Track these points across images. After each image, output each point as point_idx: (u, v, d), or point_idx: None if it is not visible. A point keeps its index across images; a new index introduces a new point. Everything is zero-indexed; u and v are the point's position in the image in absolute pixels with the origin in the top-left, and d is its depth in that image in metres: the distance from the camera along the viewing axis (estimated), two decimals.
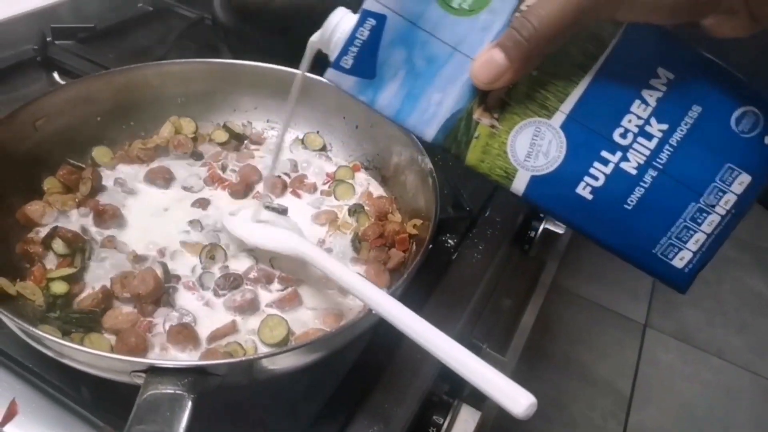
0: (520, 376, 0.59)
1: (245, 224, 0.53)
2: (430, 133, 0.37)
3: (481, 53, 0.34)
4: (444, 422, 0.54)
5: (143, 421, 0.34)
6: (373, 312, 0.41)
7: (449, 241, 0.63)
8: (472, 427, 0.56)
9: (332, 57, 0.37)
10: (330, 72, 0.37)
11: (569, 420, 1.59)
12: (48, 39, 0.84)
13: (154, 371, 0.37)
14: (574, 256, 1.92)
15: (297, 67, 0.67)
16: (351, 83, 0.37)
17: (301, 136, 0.67)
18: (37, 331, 0.38)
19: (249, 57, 0.70)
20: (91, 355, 0.38)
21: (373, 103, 0.37)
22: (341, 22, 0.37)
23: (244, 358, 0.41)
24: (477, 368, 0.34)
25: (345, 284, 0.43)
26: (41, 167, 0.56)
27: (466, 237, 0.66)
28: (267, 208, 0.56)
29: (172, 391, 0.36)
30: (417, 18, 0.35)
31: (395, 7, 0.35)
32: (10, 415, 0.44)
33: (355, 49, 0.35)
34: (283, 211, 0.57)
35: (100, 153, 0.60)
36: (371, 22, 0.35)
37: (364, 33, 0.35)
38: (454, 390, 0.59)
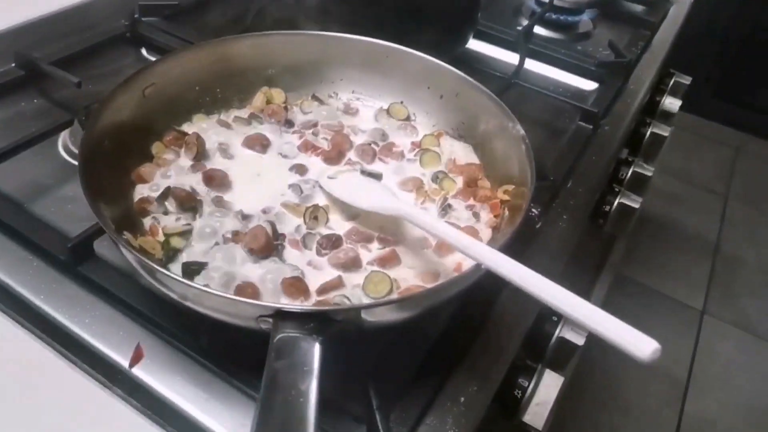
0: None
1: (345, 187, 0.55)
2: None
3: None
4: (528, 385, 0.55)
5: (281, 359, 0.36)
6: (483, 266, 0.42)
7: (533, 210, 0.64)
8: (555, 392, 0.58)
9: None
10: None
11: (624, 406, 1.58)
12: (135, 16, 0.87)
13: (281, 315, 0.39)
14: (633, 242, 1.89)
15: (381, 38, 0.69)
16: None
17: (385, 107, 0.69)
18: (170, 273, 0.41)
19: (331, 30, 0.72)
20: (222, 298, 0.41)
21: None
22: None
23: (358, 304, 0.43)
24: (601, 317, 0.35)
25: (449, 239, 0.45)
26: (150, 132, 0.59)
27: (549, 207, 0.67)
28: (362, 173, 0.58)
29: (300, 334, 0.38)
30: None
31: None
32: (137, 356, 0.47)
33: None
34: (378, 176, 0.59)
35: (199, 119, 0.63)
36: None
37: None
38: (537, 355, 0.60)
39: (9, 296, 0.51)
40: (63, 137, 0.69)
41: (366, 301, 0.48)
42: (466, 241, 0.44)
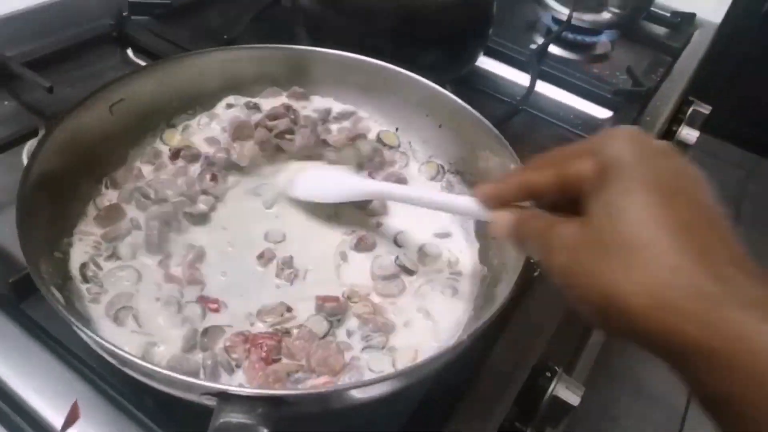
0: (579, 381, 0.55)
1: (310, 186, 0.53)
2: None
3: None
4: None
5: None
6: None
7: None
8: None
9: None
10: None
11: None
12: (124, 14, 0.82)
13: (225, 397, 0.34)
14: None
15: (379, 58, 0.63)
16: None
17: (375, 134, 0.63)
18: (105, 342, 0.36)
19: (328, 43, 0.66)
20: (161, 373, 0.35)
21: None
22: None
23: (323, 390, 0.37)
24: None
25: (431, 204, 0.47)
26: (112, 150, 0.54)
27: None
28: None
29: (247, 421, 0.33)
30: None
31: None
32: (72, 418, 0.42)
33: None
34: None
35: (169, 136, 0.58)
36: None
37: None
38: (528, 417, 0.55)
39: None
40: (29, 146, 0.64)
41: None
42: (458, 201, 0.44)
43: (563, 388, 0.55)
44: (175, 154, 0.55)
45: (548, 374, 0.55)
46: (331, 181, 0.55)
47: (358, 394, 0.38)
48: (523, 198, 0.35)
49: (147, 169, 0.55)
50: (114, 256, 0.48)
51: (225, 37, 0.82)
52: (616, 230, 0.28)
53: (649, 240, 0.27)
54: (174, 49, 0.78)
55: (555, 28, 0.97)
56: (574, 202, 0.31)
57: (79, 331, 0.37)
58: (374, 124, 0.63)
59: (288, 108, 0.59)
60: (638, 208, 0.28)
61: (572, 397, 0.55)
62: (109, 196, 0.53)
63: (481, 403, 0.48)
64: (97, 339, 0.36)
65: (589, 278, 0.28)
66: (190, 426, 0.42)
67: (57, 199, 0.49)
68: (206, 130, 0.58)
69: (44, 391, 0.43)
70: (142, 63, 0.80)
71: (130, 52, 0.81)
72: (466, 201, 0.41)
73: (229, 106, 0.60)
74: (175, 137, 0.57)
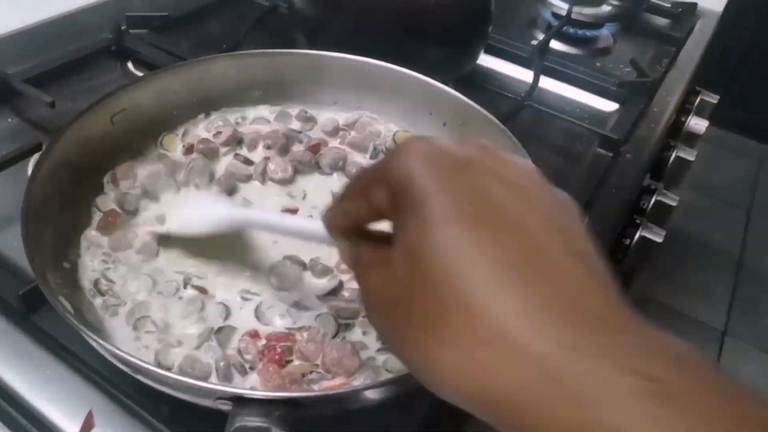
0: None
1: (186, 217, 0.49)
2: None
3: None
4: None
5: None
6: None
7: None
8: None
9: None
10: None
11: None
12: (122, 28, 0.82)
13: (240, 401, 0.33)
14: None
15: (378, 59, 0.63)
16: None
17: (390, 135, 0.62)
18: (117, 350, 0.35)
19: (327, 47, 0.66)
20: (174, 378, 0.35)
21: None
22: None
23: (340, 391, 0.37)
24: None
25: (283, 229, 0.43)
26: (115, 161, 0.54)
27: None
28: None
29: (263, 424, 0.32)
30: None
31: None
32: (87, 427, 0.42)
33: None
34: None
35: (169, 140, 0.58)
36: None
37: None
38: None
39: None
40: (33, 161, 0.63)
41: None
42: (309, 226, 0.37)
43: None
44: (189, 149, 0.56)
45: None
46: (205, 209, 0.49)
47: (373, 395, 0.37)
48: (351, 228, 0.29)
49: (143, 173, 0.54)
50: (124, 265, 0.48)
51: (224, 46, 0.81)
52: (421, 285, 0.22)
53: (467, 297, 0.20)
54: (173, 60, 0.78)
55: (555, 23, 0.97)
56: None
57: (90, 341, 0.37)
58: (382, 126, 0.63)
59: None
60: (445, 250, 0.21)
61: None
62: (110, 203, 0.52)
63: None
64: (108, 347, 0.35)
65: (403, 348, 0.23)
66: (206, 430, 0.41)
67: (62, 210, 0.48)
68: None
69: (59, 402, 0.43)
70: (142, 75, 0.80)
71: (130, 65, 0.81)
72: (316, 226, 0.34)
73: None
74: (175, 141, 0.57)
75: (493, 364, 0.20)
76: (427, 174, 0.23)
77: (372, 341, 0.44)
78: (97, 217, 0.51)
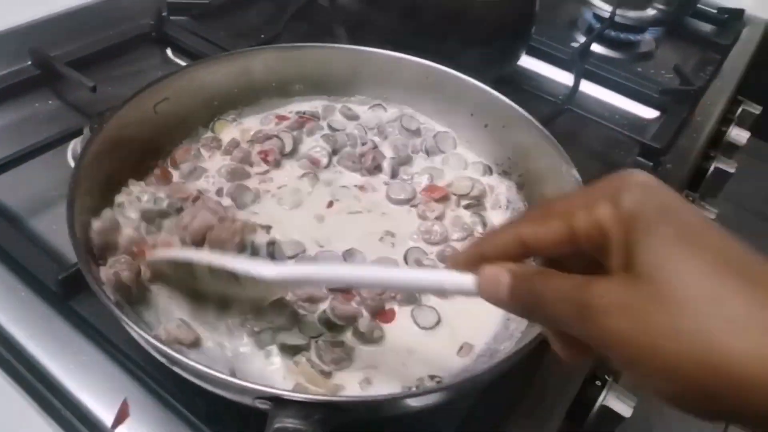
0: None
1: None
2: None
3: None
4: None
5: None
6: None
7: None
8: None
9: None
10: None
11: None
12: (163, 14, 0.82)
13: (280, 402, 0.33)
14: None
15: (420, 56, 0.62)
16: None
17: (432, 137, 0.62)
18: (157, 343, 0.35)
19: (368, 42, 0.65)
20: (214, 376, 0.34)
21: None
22: None
23: (378, 397, 0.36)
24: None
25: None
26: (155, 149, 0.54)
27: None
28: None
29: (301, 427, 0.32)
30: None
31: None
32: (121, 416, 0.42)
33: None
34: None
35: (220, 126, 0.59)
36: None
37: None
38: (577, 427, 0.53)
39: None
40: (73, 145, 0.64)
41: None
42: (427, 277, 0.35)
43: (614, 398, 0.53)
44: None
45: (598, 383, 0.54)
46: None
47: (412, 403, 0.37)
48: (518, 256, 0.29)
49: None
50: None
51: (262, 36, 0.81)
52: (684, 284, 0.23)
53: (732, 293, 0.22)
54: (212, 48, 0.78)
55: (597, 25, 0.95)
56: (576, 257, 0.27)
57: (131, 331, 0.37)
58: (423, 127, 0.62)
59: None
60: (692, 263, 0.23)
61: (624, 408, 0.53)
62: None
63: (534, 411, 0.47)
64: (148, 338, 0.35)
65: (671, 342, 0.22)
66: (241, 429, 0.42)
67: (104, 196, 0.49)
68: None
69: (94, 388, 0.43)
70: (181, 62, 0.80)
71: (169, 51, 0.81)
72: (438, 276, 0.33)
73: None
74: (225, 128, 0.57)
75: None
76: (658, 205, 0.25)
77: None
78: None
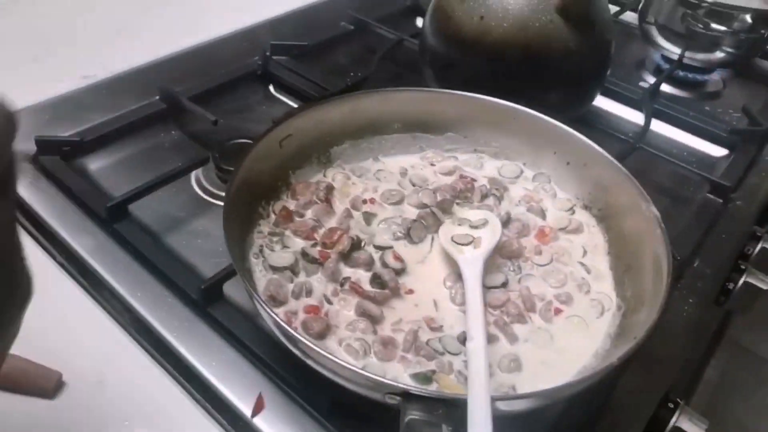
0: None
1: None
2: None
3: None
4: None
5: None
6: None
7: None
8: None
9: None
10: None
11: None
12: (267, 53, 0.92)
13: (408, 397, 0.40)
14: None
15: (504, 98, 0.69)
16: None
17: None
18: (295, 333, 0.42)
19: (454, 83, 0.72)
20: (348, 370, 0.41)
21: None
22: None
23: (500, 395, 0.42)
24: None
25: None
26: (279, 180, 0.62)
27: (674, 287, 0.63)
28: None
29: (428, 419, 0.38)
30: None
31: None
32: (259, 406, 0.49)
33: None
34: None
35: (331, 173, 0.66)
36: None
37: None
38: None
39: (146, 331, 0.55)
40: (196, 173, 0.73)
41: None
42: None
43: (686, 420, 0.57)
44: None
45: (671, 405, 0.58)
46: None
47: (502, 407, 0.42)
48: None
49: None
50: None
51: (355, 74, 0.90)
52: None
53: None
54: (310, 85, 0.87)
55: (665, 66, 1.00)
56: None
57: (275, 323, 0.44)
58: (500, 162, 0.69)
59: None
60: None
61: (695, 429, 0.57)
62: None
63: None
64: (288, 330, 0.43)
65: None
66: (360, 427, 0.48)
67: (241, 220, 0.56)
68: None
69: (232, 383, 0.51)
70: (282, 97, 0.89)
71: (271, 87, 0.91)
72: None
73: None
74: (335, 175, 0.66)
75: None
76: None
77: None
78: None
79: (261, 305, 0.45)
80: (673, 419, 0.57)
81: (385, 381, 0.41)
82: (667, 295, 0.47)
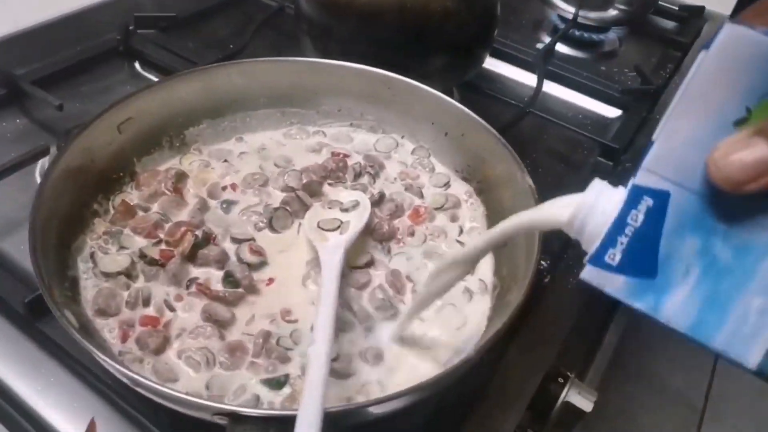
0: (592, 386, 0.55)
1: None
2: (753, 356, 0.26)
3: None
4: None
5: None
6: None
7: (542, 262, 0.58)
8: None
9: (590, 249, 0.29)
10: (589, 270, 0.28)
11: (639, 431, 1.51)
12: (130, 28, 0.83)
13: (237, 418, 0.34)
14: None
15: (384, 67, 0.63)
16: (620, 284, 0.28)
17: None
18: (117, 365, 0.36)
19: (332, 52, 0.66)
20: (172, 395, 0.36)
21: (656, 312, 0.28)
22: (600, 201, 0.29)
23: (338, 408, 0.38)
24: None
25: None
26: (120, 170, 0.55)
27: (560, 258, 0.61)
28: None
29: None
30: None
31: (683, 179, 0.27)
32: None
33: (625, 240, 0.27)
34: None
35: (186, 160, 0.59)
36: (647, 201, 0.27)
37: (638, 217, 0.27)
38: (538, 423, 0.55)
39: None
40: (41, 164, 0.65)
41: None
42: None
43: (575, 394, 0.55)
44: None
45: (560, 380, 0.55)
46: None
47: (374, 410, 0.38)
48: None
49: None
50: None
51: (231, 47, 0.82)
52: None
53: None
54: (180, 61, 0.79)
55: (561, 26, 0.97)
56: None
57: (96, 357, 0.38)
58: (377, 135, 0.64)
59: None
60: None
61: (585, 403, 0.55)
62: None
63: (494, 409, 0.49)
64: (113, 364, 0.37)
65: None
66: None
67: (68, 218, 0.49)
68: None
69: (62, 408, 0.45)
70: (150, 76, 0.81)
71: (137, 65, 0.82)
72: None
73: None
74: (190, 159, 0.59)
75: None
76: None
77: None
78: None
79: (75, 334, 0.38)
80: (563, 394, 0.55)
81: (208, 403, 0.36)
82: (535, 271, 0.44)
